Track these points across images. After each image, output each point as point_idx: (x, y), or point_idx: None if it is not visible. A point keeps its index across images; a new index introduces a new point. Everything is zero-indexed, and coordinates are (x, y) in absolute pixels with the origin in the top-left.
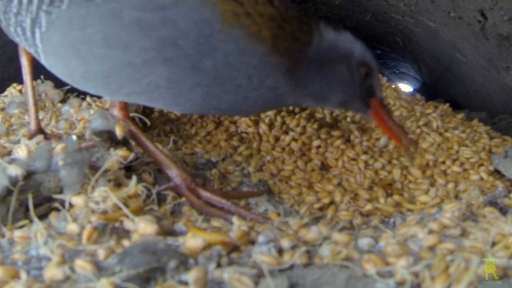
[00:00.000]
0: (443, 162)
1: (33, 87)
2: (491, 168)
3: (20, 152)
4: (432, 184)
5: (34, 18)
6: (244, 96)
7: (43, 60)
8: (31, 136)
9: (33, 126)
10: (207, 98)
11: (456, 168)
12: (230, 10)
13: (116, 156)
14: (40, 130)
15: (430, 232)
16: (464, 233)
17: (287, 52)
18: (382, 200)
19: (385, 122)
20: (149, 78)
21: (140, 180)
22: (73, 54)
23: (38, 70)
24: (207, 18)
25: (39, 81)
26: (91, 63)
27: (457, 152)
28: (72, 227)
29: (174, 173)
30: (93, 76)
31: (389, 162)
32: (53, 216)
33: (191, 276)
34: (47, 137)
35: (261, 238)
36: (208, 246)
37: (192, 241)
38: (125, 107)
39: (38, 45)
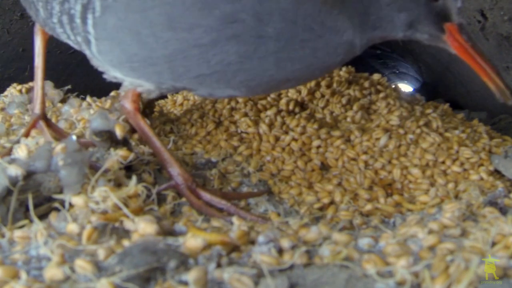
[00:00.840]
0: (443, 162)
1: (44, 70)
2: (491, 168)
3: (20, 152)
4: (432, 184)
5: (86, 4)
6: (312, 48)
7: (93, 48)
8: (34, 121)
9: (37, 110)
10: (280, 65)
11: (456, 168)
12: None
13: (116, 156)
14: (44, 116)
15: (430, 232)
16: (464, 233)
17: None
18: (382, 200)
19: (466, 50)
20: (219, 57)
21: (140, 180)
22: (133, 38)
23: None
24: None
25: None
26: (154, 47)
27: (457, 152)
28: (72, 227)
29: (176, 172)
30: (156, 61)
31: (389, 162)
32: (53, 216)
33: (191, 276)
34: (49, 123)
35: (261, 238)
36: (208, 246)
37: (192, 241)
38: (137, 99)
39: (89, 31)
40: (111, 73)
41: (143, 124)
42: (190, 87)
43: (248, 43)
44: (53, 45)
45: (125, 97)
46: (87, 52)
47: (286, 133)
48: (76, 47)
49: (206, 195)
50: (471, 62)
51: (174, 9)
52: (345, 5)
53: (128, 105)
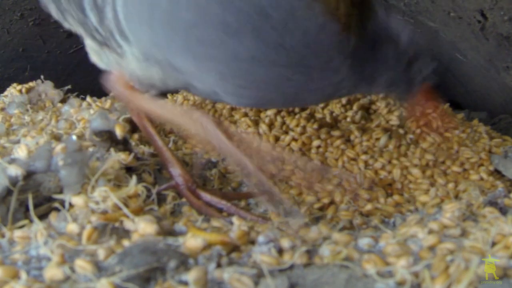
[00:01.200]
0: (443, 162)
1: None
2: (491, 168)
3: (20, 152)
4: (432, 184)
5: None
6: (309, 77)
7: (119, 11)
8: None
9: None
10: (278, 79)
11: (456, 168)
12: None
13: (117, 156)
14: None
15: (430, 232)
16: (464, 233)
17: (354, 32)
18: (382, 200)
19: (423, 110)
20: (233, 46)
21: (140, 180)
22: (162, 23)
23: (38, 71)
24: None
25: (39, 81)
26: (182, 8)
27: (457, 152)
28: (72, 227)
29: (177, 172)
30: (177, 25)
31: (389, 162)
32: (53, 216)
33: (191, 276)
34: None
35: (261, 238)
36: (208, 246)
37: (192, 241)
38: (126, 82)
39: (119, 13)
40: (126, 55)
41: (146, 122)
42: (190, 76)
43: (265, 44)
44: (53, 45)
45: (114, 82)
46: (108, 18)
47: (286, 133)
48: (94, 20)
49: (206, 196)
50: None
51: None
52: (353, 52)
53: (122, 88)
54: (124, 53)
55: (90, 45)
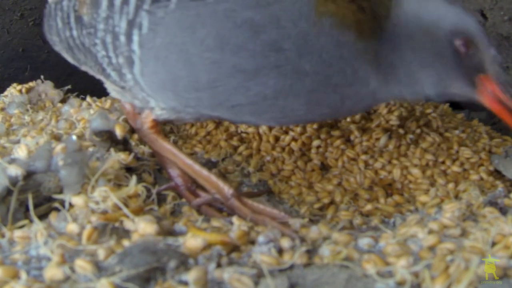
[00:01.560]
0: (443, 162)
1: (195, 161)
2: (491, 168)
3: (20, 152)
4: (432, 184)
5: (132, 20)
6: (341, 96)
7: (136, 68)
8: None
9: (231, 190)
10: (310, 105)
11: (456, 168)
12: None
13: (117, 156)
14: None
15: (430, 232)
16: (464, 233)
17: (370, 35)
18: (382, 200)
19: (501, 104)
20: (258, 87)
21: (140, 180)
22: (180, 58)
23: (38, 71)
24: (304, 10)
25: (39, 81)
26: (201, 69)
27: (457, 152)
28: (72, 227)
29: (175, 173)
30: (200, 86)
31: (389, 162)
32: (53, 216)
33: (191, 276)
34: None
35: (261, 238)
36: (208, 246)
37: (192, 241)
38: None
39: (134, 50)
40: (150, 104)
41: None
42: (225, 117)
43: (287, 76)
44: None
45: (142, 123)
46: (127, 80)
47: (286, 133)
48: (116, 78)
49: (206, 196)
50: (503, 116)
51: (224, 29)
52: (376, 56)
53: (148, 129)
54: (148, 102)
55: (111, 86)
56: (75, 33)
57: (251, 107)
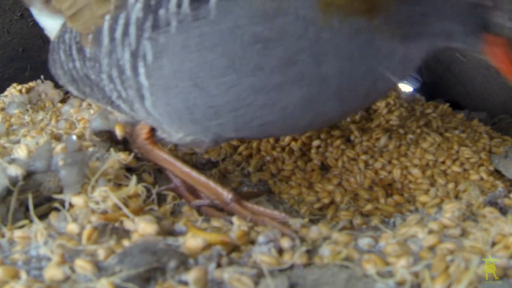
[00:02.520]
0: (443, 162)
1: (192, 168)
2: (491, 168)
3: (20, 152)
4: (432, 184)
5: (135, 50)
6: (373, 80)
7: (147, 103)
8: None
9: (230, 194)
10: (343, 104)
11: (456, 168)
12: None
13: (117, 156)
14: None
15: (430, 232)
16: (464, 233)
17: (385, 4)
18: (382, 200)
19: (506, 64)
20: (284, 102)
21: (140, 180)
22: (192, 85)
23: (38, 71)
24: (309, 16)
25: (39, 81)
26: (217, 94)
27: (457, 152)
28: (72, 227)
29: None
30: (219, 110)
31: (389, 162)
32: (53, 216)
33: (191, 276)
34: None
35: (261, 238)
36: (208, 246)
37: (192, 241)
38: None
39: (143, 83)
40: (173, 136)
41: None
42: (251, 136)
43: (312, 86)
44: None
45: (137, 135)
46: (140, 112)
47: None
48: (127, 110)
49: (206, 199)
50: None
51: (234, 50)
52: (396, 22)
53: (143, 141)
54: (163, 128)
55: (119, 114)
56: (78, 64)
57: (281, 122)
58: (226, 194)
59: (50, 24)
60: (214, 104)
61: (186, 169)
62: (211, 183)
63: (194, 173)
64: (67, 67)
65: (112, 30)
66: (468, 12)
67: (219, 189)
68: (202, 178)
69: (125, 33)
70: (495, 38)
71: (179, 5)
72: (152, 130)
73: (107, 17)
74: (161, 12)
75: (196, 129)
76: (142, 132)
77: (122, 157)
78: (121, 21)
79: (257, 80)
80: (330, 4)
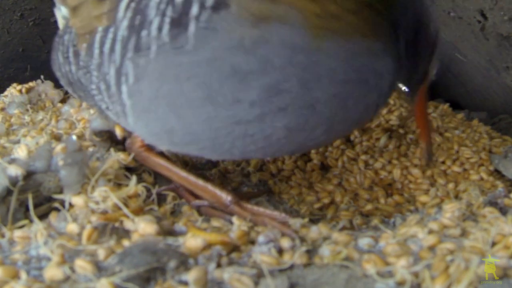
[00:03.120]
0: (443, 162)
1: (190, 173)
2: (491, 168)
3: (20, 152)
4: (432, 184)
5: (119, 67)
6: (365, 104)
7: (130, 122)
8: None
9: (229, 197)
10: (332, 130)
11: (456, 168)
12: (313, 13)
13: (116, 156)
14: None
15: (430, 232)
16: (464, 233)
17: (376, 29)
18: (382, 200)
19: (421, 115)
20: (266, 132)
21: (140, 180)
22: (171, 112)
23: (38, 71)
24: (298, 42)
25: (39, 81)
26: (194, 123)
27: (457, 152)
28: (72, 227)
29: None
30: (198, 137)
31: (389, 162)
32: (53, 216)
33: (191, 276)
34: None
35: (261, 238)
36: (208, 246)
37: (192, 241)
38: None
39: (125, 101)
40: (160, 147)
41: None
42: (234, 159)
43: (299, 114)
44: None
45: (132, 143)
46: (126, 126)
47: None
48: (116, 120)
49: (205, 201)
50: (419, 124)
51: (211, 82)
52: (389, 45)
53: (138, 149)
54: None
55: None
56: (73, 68)
57: (264, 150)
58: (225, 196)
59: (60, 15)
60: (192, 131)
61: (183, 174)
62: (210, 186)
63: (192, 178)
64: (64, 69)
65: (102, 43)
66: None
67: (218, 191)
68: (200, 182)
69: (112, 49)
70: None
71: (159, 29)
72: None
73: (100, 28)
74: (143, 33)
75: (176, 149)
76: (137, 140)
77: (122, 157)
78: (110, 36)
79: (235, 112)
80: (322, 28)
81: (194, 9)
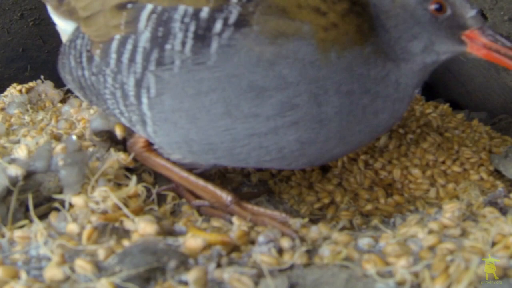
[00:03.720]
0: (443, 162)
1: (190, 173)
2: (491, 168)
3: (20, 152)
4: (432, 184)
5: (140, 80)
6: (374, 112)
7: (149, 129)
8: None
9: (229, 197)
10: (344, 142)
11: (456, 168)
12: (322, 26)
13: (116, 156)
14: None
15: (430, 232)
16: (464, 233)
17: (370, 31)
18: (382, 200)
19: (494, 53)
20: (280, 145)
21: (140, 180)
22: (191, 123)
23: (38, 71)
24: (308, 57)
25: (39, 81)
26: (213, 134)
27: (457, 152)
28: (72, 227)
29: None
30: (215, 147)
31: (389, 162)
32: (53, 216)
33: (191, 276)
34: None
35: (261, 238)
36: (208, 246)
37: (192, 241)
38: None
39: (145, 112)
40: (171, 156)
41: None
42: (249, 168)
43: (309, 128)
44: (53, 45)
45: (133, 143)
46: (141, 133)
47: None
48: (128, 125)
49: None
50: (505, 64)
51: (229, 97)
52: (384, 48)
53: (140, 149)
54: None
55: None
56: (86, 73)
57: (278, 161)
58: (225, 196)
59: (62, 26)
60: (210, 142)
61: (184, 174)
62: (210, 186)
63: (192, 177)
64: (76, 74)
65: (120, 53)
66: (438, 24)
67: (218, 191)
68: (201, 182)
69: (132, 59)
70: (470, 32)
71: (183, 44)
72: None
73: (117, 36)
74: (167, 47)
75: (194, 158)
76: (140, 141)
77: (122, 157)
78: (129, 46)
79: (251, 126)
80: (325, 40)
81: (218, 26)
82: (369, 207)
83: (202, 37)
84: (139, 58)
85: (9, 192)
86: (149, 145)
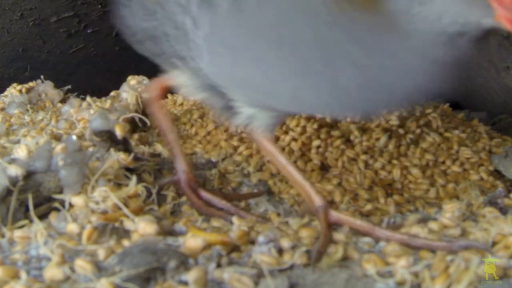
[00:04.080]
0: (443, 162)
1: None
2: (491, 168)
3: (20, 152)
4: (432, 184)
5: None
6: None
7: (206, 60)
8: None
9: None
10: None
11: (456, 168)
12: None
13: (116, 156)
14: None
15: (430, 232)
16: (464, 233)
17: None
18: (382, 200)
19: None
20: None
21: (140, 180)
22: (249, 58)
23: (38, 71)
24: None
25: (39, 81)
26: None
27: (457, 152)
28: (72, 227)
29: (181, 167)
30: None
31: (389, 162)
32: (53, 216)
33: (191, 276)
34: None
35: (261, 238)
36: (208, 246)
37: (192, 241)
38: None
39: (200, 43)
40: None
41: (160, 113)
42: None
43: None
44: (53, 45)
45: (154, 90)
46: (192, 64)
47: (286, 133)
48: (176, 60)
49: (207, 195)
50: None
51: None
52: (401, 14)
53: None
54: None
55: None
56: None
57: (330, 105)
58: (318, 201)
59: None
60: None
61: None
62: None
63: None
64: (146, 24)
65: None
66: None
67: (313, 193)
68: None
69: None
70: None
71: None
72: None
73: None
74: None
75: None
76: (157, 86)
77: (122, 157)
78: None
79: (309, 54)
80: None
81: None
82: (369, 207)
83: None
84: None
85: (9, 192)
86: (161, 97)
